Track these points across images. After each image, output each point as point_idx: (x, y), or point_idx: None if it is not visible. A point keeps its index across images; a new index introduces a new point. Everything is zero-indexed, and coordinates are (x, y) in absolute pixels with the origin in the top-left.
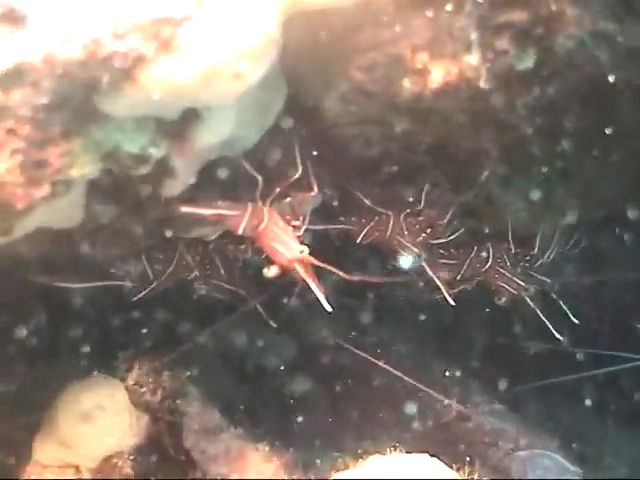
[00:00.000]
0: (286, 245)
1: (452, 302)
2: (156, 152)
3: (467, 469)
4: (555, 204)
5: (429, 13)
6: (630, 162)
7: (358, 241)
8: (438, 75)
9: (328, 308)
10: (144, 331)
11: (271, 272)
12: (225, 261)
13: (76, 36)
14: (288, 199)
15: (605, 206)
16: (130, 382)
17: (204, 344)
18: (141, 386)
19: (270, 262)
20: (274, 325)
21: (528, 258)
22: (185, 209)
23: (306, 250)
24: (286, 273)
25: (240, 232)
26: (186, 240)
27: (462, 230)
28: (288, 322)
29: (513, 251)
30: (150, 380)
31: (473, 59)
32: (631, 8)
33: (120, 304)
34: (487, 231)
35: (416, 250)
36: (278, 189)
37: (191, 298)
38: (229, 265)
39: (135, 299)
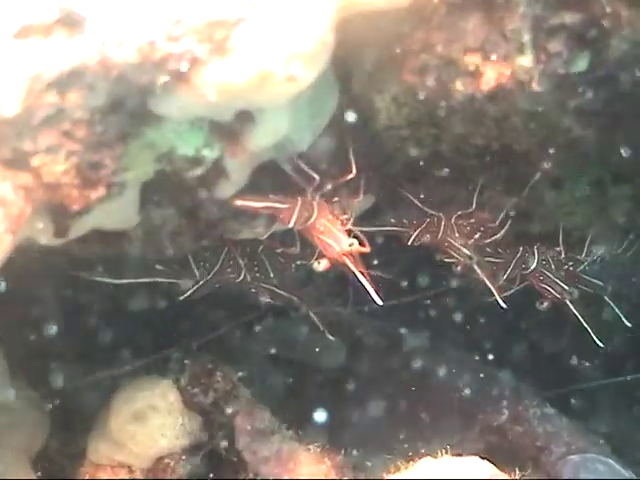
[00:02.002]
0: (336, 238)
1: (503, 304)
2: (210, 154)
3: (519, 473)
4: (608, 207)
5: (482, 14)
6: None
7: (409, 243)
8: (491, 77)
9: (379, 301)
10: (197, 333)
11: (321, 266)
12: (275, 265)
13: (131, 39)
14: (336, 199)
15: None
16: (182, 383)
17: (255, 345)
18: (193, 387)
19: (320, 256)
20: (328, 334)
21: (574, 261)
22: (239, 202)
23: (356, 243)
24: (335, 266)
25: (291, 225)
26: (235, 241)
27: (508, 230)
28: (339, 325)
29: (563, 254)
30: (202, 381)
31: (526, 61)
32: None
33: (173, 305)
34: (539, 233)
35: (467, 252)
36: (330, 185)
37: (242, 300)
38: (279, 269)
39: (182, 298)
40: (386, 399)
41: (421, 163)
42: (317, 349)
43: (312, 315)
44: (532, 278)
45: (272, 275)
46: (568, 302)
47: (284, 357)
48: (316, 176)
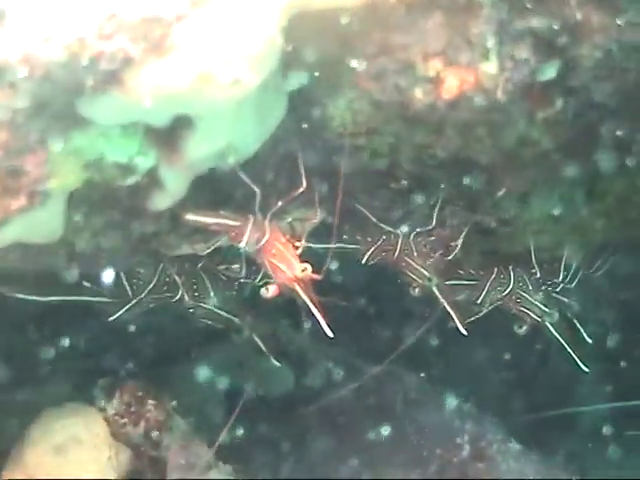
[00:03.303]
0: (288, 262)
1: (464, 331)
2: (144, 162)
3: None
4: (580, 225)
5: (443, 16)
6: None
7: (363, 261)
8: (453, 84)
9: (329, 333)
10: (127, 356)
11: (270, 292)
12: (216, 283)
13: (59, 35)
14: (289, 217)
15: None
16: (110, 412)
17: (192, 372)
18: (122, 417)
19: (268, 281)
20: (274, 360)
21: (551, 283)
22: (190, 217)
23: (309, 268)
24: (285, 293)
25: (243, 245)
26: (172, 257)
27: (473, 250)
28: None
29: (537, 275)
30: (132, 410)
31: (491, 68)
32: None
33: (100, 325)
34: (506, 253)
35: (426, 273)
36: (280, 203)
37: (179, 322)
38: (221, 288)
39: (112, 319)
40: (335, 431)
41: (377, 175)
42: (262, 376)
43: (256, 339)
44: (509, 301)
45: (212, 294)
46: (549, 325)
47: (225, 384)
48: (256, 189)
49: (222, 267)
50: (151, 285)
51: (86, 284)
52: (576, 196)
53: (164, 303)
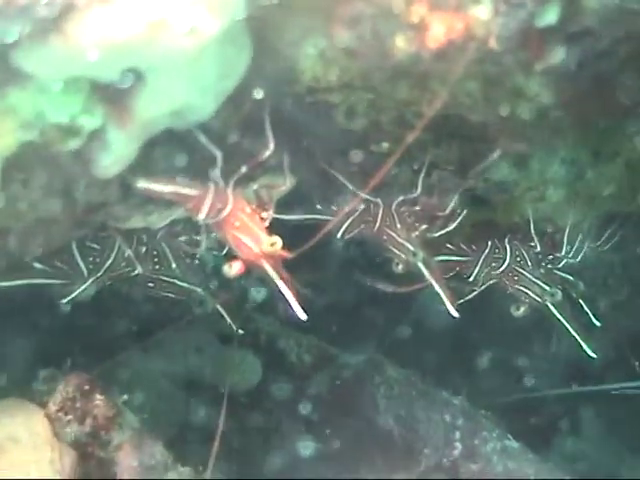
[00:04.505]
0: (254, 236)
1: (455, 313)
2: (89, 122)
3: None
4: (585, 191)
5: None
6: None
7: (339, 235)
8: (439, 32)
9: (302, 316)
10: (72, 343)
11: (233, 269)
12: (177, 253)
13: None
14: (255, 185)
15: None
16: (52, 408)
17: (147, 359)
18: (66, 413)
19: (232, 257)
20: (238, 330)
21: (553, 257)
22: (142, 184)
23: (279, 242)
24: (252, 271)
25: (202, 217)
26: (127, 230)
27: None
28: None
29: (537, 248)
30: (77, 406)
31: (483, 12)
32: None
33: (44, 308)
34: (501, 224)
35: (411, 247)
36: (244, 169)
37: (135, 299)
38: (182, 259)
39: (65, 301)
40: (309, 430)
41: (354, 135)
42: (227, 366)
43: (219, 308)
44: (505, 278)
45: (174, 266)
46: (550, 305)
47: (183, 376)
48: (217, 153)
49: (182, 239)
50: (109, 262)
51: (37, 265)
52: (581, 159)
53: (122, 279)
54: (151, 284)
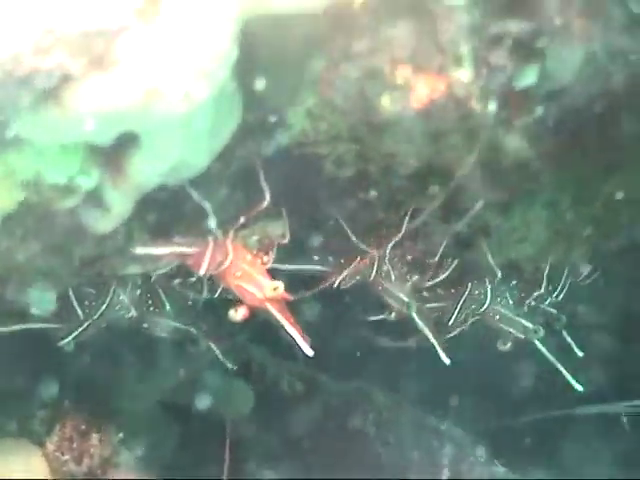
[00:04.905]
0: (257, 283)
1: (447, 360)
2: (86, 182)
3: None
4: (565, 233)
5: (412, 21)
6: None
7: (336, 285)
8: (422, 93)
9: (309, 352)
10: (68, 384)
11: (239, 314)
12: (171, 294)
13: None
14: (255, 236)
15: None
16: (50, 447)
17: (144, 397)
18: (63, 453)
19: (237, 302)
20: (230, 365)
21: (538, 295)
22: (139, 250)
23: (281, 287)
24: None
25: (202, 272)
26: (124, 276)
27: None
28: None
29: (519, 287)
30: (74, 446)
31: (464, 75)
32: None
33: (41, 350)
34: (486, 266)
35: (406, 299)
36: (242, 219)
37: (131, 341)
38: (177, 300)
39: (63, 343)
40: (299, 456)
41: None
42: (221, 396)
43: (212, 346)
44: (487, 318)
45: (168, 307)
46: (536, 342)
47: (179, 406)
48: (206, 205)
49: (177, 281)
50: (104, 306)
51: (35, 311)
52: (561, 203)
53: (117, 321)
54: (145, 325)
